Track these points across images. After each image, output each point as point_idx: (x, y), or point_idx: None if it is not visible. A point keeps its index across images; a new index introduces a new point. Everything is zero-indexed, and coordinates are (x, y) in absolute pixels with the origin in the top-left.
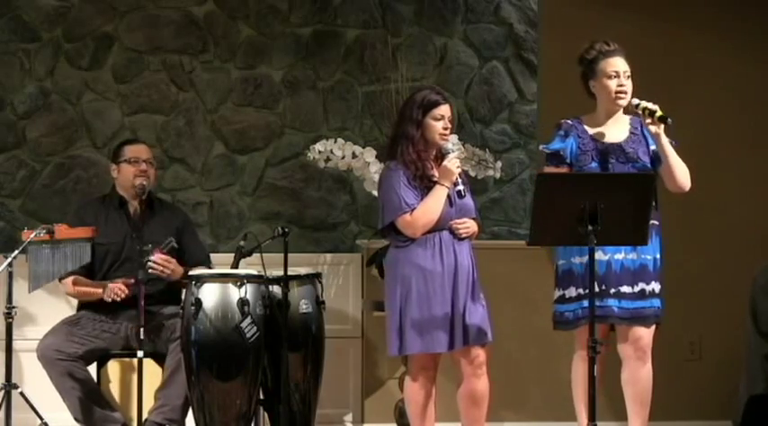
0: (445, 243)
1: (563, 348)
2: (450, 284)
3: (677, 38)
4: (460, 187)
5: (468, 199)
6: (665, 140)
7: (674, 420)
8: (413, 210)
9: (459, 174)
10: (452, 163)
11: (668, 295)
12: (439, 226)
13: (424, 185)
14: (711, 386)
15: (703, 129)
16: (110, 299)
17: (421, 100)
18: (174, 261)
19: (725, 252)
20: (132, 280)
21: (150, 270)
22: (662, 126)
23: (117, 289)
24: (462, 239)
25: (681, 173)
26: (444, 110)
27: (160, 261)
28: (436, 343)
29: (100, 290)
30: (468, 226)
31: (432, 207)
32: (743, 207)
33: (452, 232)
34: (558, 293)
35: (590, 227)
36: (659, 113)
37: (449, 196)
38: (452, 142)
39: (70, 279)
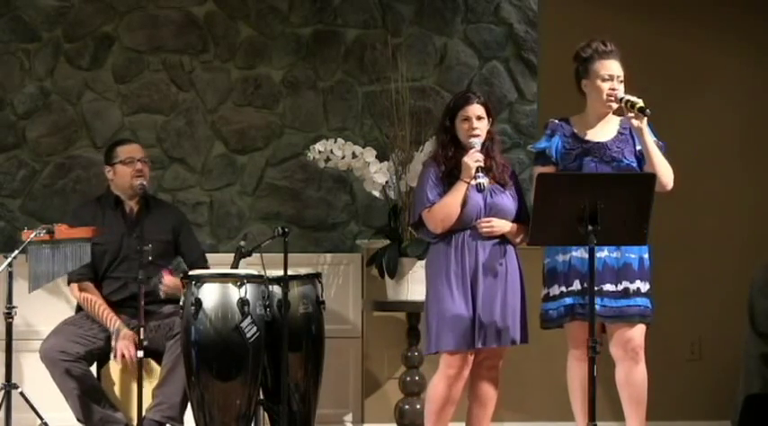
0: (468, 242)
1: (563, 348)
2: (470, 284)
3: (677, 37)
4: (480, 180)
5: (504, 201)
6: (648, 136)
7: (674, 420)
8: (432, 205)
9: (489, 169)
10: (470, 157)
11: (668, 295)
12: (463, 225)
13: (453, 183)
14: (711, 386)
15: (702, 129)
16: (115, 356)
17: (449, 105)
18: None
19: (725, 252)
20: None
21: (162, 295)
22: (644, 119)
23: (126, 353)
24: (488, 239)
25: (663, 172)
26: (470, 110)
27: (172, 285)
28: (456, 343)
29: (109, 327)
30: (493, 225)
31: (448, 201)
32: (743, 206)
33: (477, 231)
34: (543, 292)
35: (590, 227)
36: (640, 104)
37: (471, 192)
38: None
39: (76, 286)
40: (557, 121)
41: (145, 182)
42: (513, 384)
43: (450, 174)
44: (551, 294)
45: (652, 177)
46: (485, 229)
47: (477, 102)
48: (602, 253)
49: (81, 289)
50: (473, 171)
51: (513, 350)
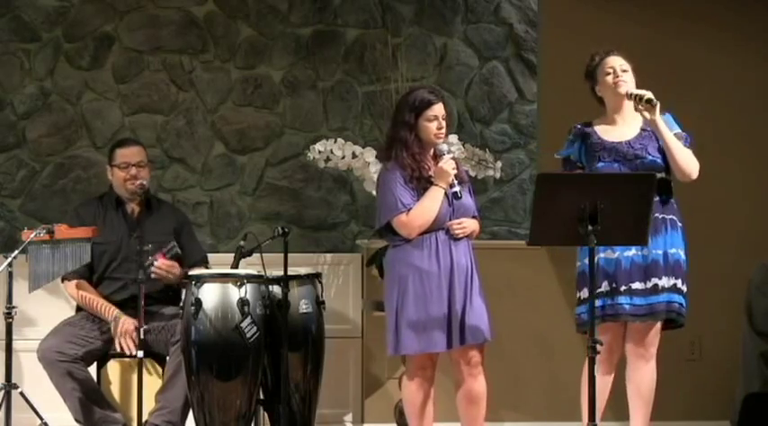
0: (441, 243)
1: (563, 348)
2: (447, 284)
3: (677, 36)
4: (456, 188)
5: (467, 199)
6: (663, 127)
7: (674, 420)
8: (409, 211)
9: (457, 175)
10: (447, 164)
11: None
12: (435, 227)
13: (422, 186)
14: (711, 386)
15: (701, 128)
16: (118, 345)
17: (413, 102)
18: (177, 265)
19: (725, 251)
20: (137, 324)
21: (153, 275)
22: (657, 111)
23: (127, 341)
24: (459, 239)
25: (683, 161)
26: (437, 109)
27: (164, 267)
28: (433, 343)
29: (107, 317)
30: (465, 226)
31: (428, 207)
32: (743, 205)
33: (449, 232)
34: (576, 295)
35: (590, 227)
36: (647, 96)
37: (446, 195)
38: (450, 142)
39: (73, 283)
40: (579, 126)
41: (144, 183)
42: (513, 384)
43: (419, 178)
44: (582, 297)
45: (652, 177)
46: (458, 231)
47: (441, 101)
48: (630, 252)
49: (77, 287)
50: (450, 177)
51: (513, 350)
